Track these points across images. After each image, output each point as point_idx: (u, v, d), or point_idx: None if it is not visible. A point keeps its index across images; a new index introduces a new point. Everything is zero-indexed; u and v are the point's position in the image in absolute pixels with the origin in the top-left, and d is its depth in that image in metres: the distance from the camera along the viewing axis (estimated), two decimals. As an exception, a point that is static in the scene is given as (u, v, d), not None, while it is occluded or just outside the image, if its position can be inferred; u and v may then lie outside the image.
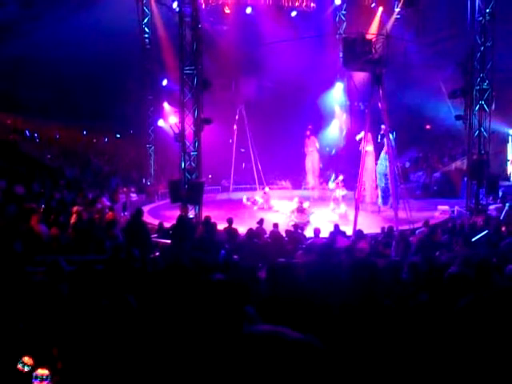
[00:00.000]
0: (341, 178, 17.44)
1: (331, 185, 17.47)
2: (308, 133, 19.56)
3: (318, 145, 19.81)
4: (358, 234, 10.82)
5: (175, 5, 14.08)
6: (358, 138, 16.21)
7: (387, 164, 15.19)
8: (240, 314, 2.21)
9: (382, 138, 15.77)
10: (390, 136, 15.11)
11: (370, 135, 15.51)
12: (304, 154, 19.95)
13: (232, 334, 1.40)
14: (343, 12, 22.70)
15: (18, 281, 4.32)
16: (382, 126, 15.19)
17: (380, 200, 16.67)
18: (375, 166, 16.67)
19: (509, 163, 21.34)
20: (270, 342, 1.33)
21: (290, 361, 1.30)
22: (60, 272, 4.46)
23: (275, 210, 17.14)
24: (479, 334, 2.62)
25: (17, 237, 8.01)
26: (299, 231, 11.85)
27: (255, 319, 2.76)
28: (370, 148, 16.21)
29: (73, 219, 10.78)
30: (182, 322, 2.49)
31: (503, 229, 10.94)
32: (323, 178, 20.21)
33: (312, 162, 19.96)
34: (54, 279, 4.32)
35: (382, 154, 16.06)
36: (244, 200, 18.06)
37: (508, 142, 21.24)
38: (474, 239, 10.33)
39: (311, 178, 19.99)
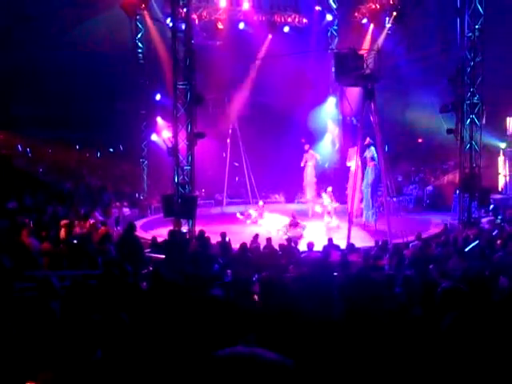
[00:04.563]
0: (329, 189, 17.48)
1: (325, 201, 17.43)
2: (307, 146, 19.53)
3: (318, 157, 19.62)
4: (350, 247, 10.82)
5: (168, 20, 14.18)
6: (348, 163, 16.34)
7: (370, 177, 15.38)
8: (231, 332, 2.20)
9: (365, 151, 15.90)
10: (372, 149, 15.25)
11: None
12: (302, 168, 19.83)
13: (206, 356, 1.37)
14: (335, 27, 22.97)
15: (6, 296, 4.27)
16: (367, 139, 15.31)
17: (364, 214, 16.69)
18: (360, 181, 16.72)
19: (500, 176, 21.50)
20: (242, 364, 1.30)
21: (265, 383, 1.27)
22: (51, 289, 4.42)
23: (259, 224, 16.96)
24: (463, 352, 2.61)
25: (5, 251, 7.93)
26: (293, 245, 11.82)
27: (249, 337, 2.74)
28: (359, 162, 16.26)
29: (62, 233, 10.71)
30: (169, 339, 2.46)
31: (498, 242, 10.96)
32: (317, 192, 20.18)
33: (309, 176, 19.82)
34: (45, 296, 4.27)
35: (368, 168, 16.16)
36: (238, 215, 17.99)
37: (499, 155, 21.43)
38: (466, 249, 10.40)
39: (308, 193, 19.82)
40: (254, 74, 22.37)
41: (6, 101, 21.23)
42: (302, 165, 19.34)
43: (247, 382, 1.27)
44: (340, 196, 17.71)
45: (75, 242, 10.23)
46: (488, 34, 14.85)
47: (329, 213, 16.84)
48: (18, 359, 2.92)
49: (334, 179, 20.57)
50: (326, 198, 17.34)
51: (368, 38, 22.15)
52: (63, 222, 11.28)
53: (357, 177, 14.72)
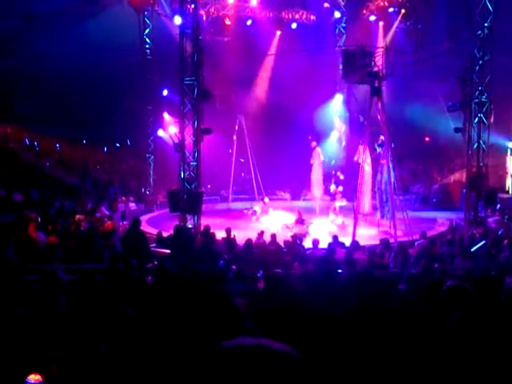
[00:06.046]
0: (340, 188, 17.41)
1: (332, 187, 17.38)
2: (314, 144, 19.47)
3: (322, 157, 19.62)
4: (354, 245, 10.80)
5: (177, 19, 14.10)
6: (356, 158, 16.13)
7: (384, 175, 15.30)
8: (237, 325, 2.20)
9: (376, 149, 15.81)
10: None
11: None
12: (308, 166, 19.76)
13: (213, 347, 1.37)
14: (343, 25, 22.88)
15: (15, 289, 4.30)
16: (381, 137, 15.25)
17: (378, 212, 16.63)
18: (371, 178, 16.67)
19: (508, 176, 21.37)
20: (250, 356, 1.30)
21: (272, 374, 1.27)
22: (57, 282, 4.45)
23: (261, 222, 16.82)
24: (468, 351, 2.60)
25: (11, 243, 7.99)
26: (298, 242, 11.83)
27: (253, 331, 2.75)
28: (367, 159, 16.20)
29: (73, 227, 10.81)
30: (176, 333, 2.47)
31: (505, 242, 10.90)
32: (325, 190, 20.13)
33: (316, 174, 19.75)
34: (51, 289, 4.30)
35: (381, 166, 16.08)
36: (244, 211, 17.85)
37: (507, 154, 21.30)
38: (473, 249, 10.37)
39: (316, 191, 19.74)
40: (261, 71, 22.34)
41: (13, 98, 21.33)
42: (312, 162, 19.29)
43: (254, 373, 1.27)
44: (349, 194, 17.59)
45: (83, 235, 10.30)
46: (497, 32, 14.74)
47: (334, 210, 16.82)
48: (22, 350, 2.95)
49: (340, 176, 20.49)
50: (333, 187, 17.23)
51: (376, 35, 22.05)
52: (78, 217, 11.38)
53: (363, 174, 14.67)
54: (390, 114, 14.84)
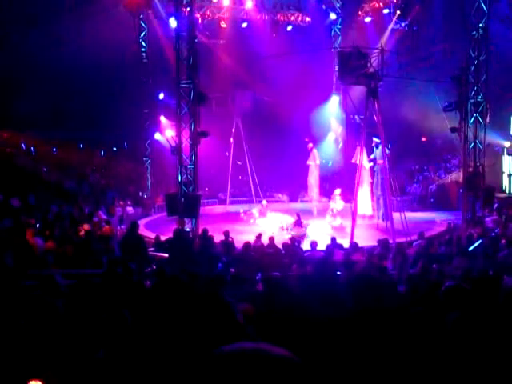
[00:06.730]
0: (338, 191, 17.40)
1: (337, 205, 17.20)
2: (311, 145, 19.48)
3: (318, 161, 19.64)
4: (353, 246, 10.81)
5: (173, 22, 14.09)
6: (353, 160, 16.08)
7: (380, 177, 15.34)
8: (236, 329, 2.20)
9: (372, 151, 15.86)
10: (380, 148, 15.26)
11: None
12: (305, 167, 19.78)
13: (212, 352, 1.37)
14: (338, 26, 22.93)
15: (13, 295, 4.29)
16: (374, 139, 15.29)
17: (376, 213, 16.67)
18: (371, 179, 16.71)
19: (504, 176, 21.44)
20: (249, 360, 1.30)
21: (271, 379, 1.27)
22: (55, 287, 4.44)
23: (257, 224, 16.77)
24: (467, 351, 2.61)
25: (8, 249, 7.96)
26: (296, 244, 11.82)
27: (252, 334, 2.75)
28: (365, 160, 16.22)
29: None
30: (175, 337, 2.47)
31: (503, 241, 10.92)
32: (321, 191, 20.15)
33: (313, 176, 19.75)
34: (50, 294, 4.29)
35: (376, 167, 16.15)
36: (241, 215, 17.88)
37: (503, 154, 21.37)
38: (470, 248, 10.40)
39: (313, 193, 19.74)
40: (257, 73, 22.35)
41: (9, 100, 21.27)
42: (308, 163, 19.33)
43: (253, 378, 1.27)
44: (348, 196, 17.61)
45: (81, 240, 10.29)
46: (492, 32, 14.81)
47: (332, 211, 16.81)
48: (22, 356, 2.94)
49: (337, 178, 20.53)
50: (336, 202, 17.15)
51: (372, 36, 22.10)
52: (85, 226, 11.42)
53: (360, 176, 14.68)
54: (387, 114, 14.86)
